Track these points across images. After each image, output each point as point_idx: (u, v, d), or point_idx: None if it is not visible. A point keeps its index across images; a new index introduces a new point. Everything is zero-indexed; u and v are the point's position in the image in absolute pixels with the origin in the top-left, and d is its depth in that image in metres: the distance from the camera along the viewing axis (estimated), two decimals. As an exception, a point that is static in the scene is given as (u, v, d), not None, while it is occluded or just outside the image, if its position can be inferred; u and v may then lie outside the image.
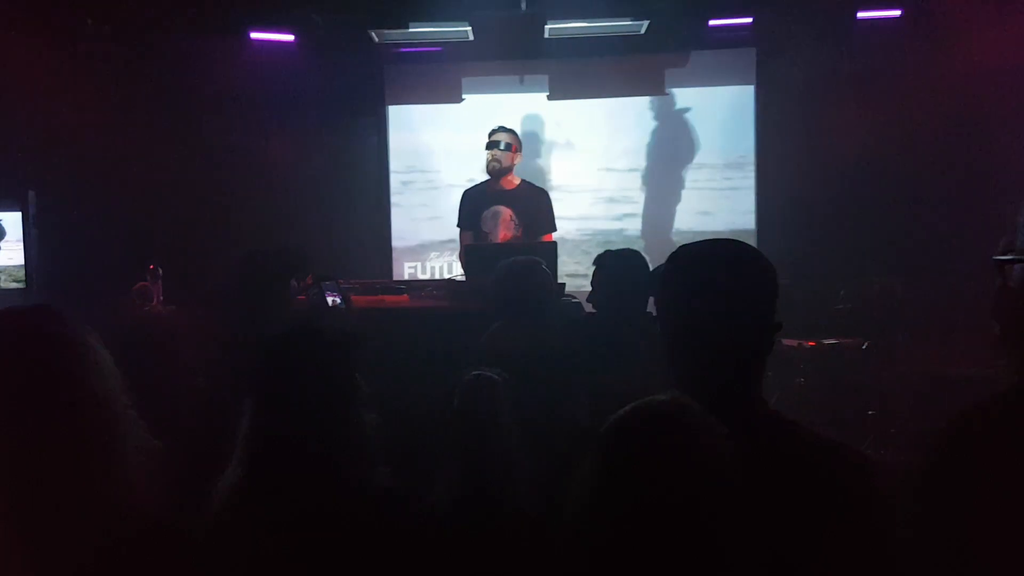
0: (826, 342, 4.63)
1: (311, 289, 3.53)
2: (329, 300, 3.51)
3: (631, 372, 2.41)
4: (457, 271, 5.72)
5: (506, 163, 4.41)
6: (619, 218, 5.96)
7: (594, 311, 2.94)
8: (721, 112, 5.88)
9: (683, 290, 1.30)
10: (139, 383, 3.21)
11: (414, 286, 3.91)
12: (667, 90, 5.89)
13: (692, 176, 5.93)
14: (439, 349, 3.21)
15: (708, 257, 1.31)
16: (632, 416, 1.12)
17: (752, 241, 5.81)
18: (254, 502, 1.76)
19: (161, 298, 3.97)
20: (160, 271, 4.01)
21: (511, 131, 4.46)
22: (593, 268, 2.96)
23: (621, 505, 1.06)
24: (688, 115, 5.91)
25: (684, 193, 5.94)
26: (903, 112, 5.21)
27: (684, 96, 5.90)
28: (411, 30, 4.98)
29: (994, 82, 4.96)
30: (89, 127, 4.61)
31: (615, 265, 2.87)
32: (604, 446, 1.12)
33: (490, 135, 4.47)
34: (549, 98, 5.94)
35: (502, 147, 4.40)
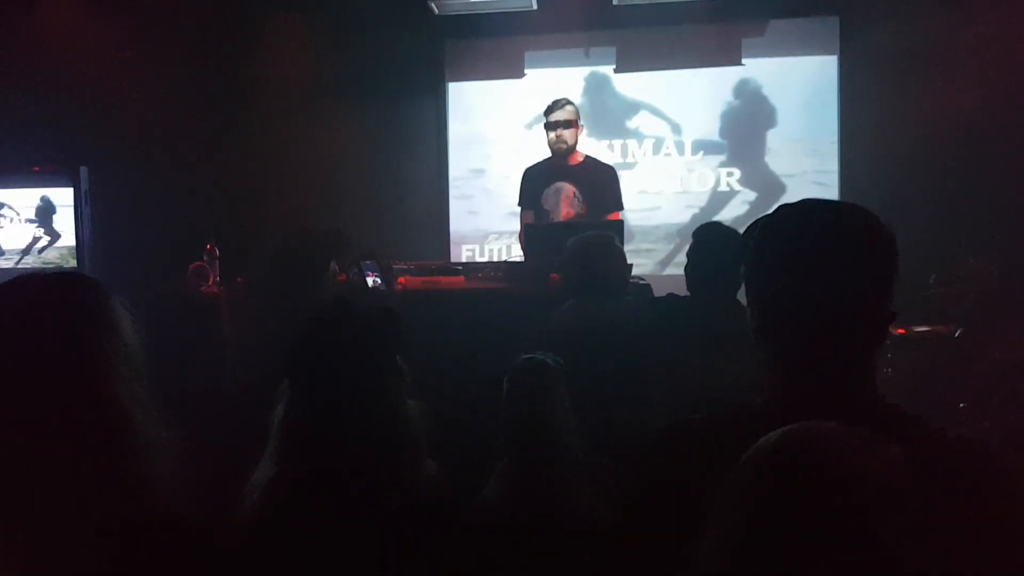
0: (916, 329, 4.28)
1: (351, 269, 3.39)
2: (369, 281, 3.36)
3: (719, 364, 2.18)
4: (516, 254, 5.54)
5: (571, 141, 4.18)
6: (686, 201, 5.66)
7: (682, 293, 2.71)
8: (802, 85, 5.51)
9: (780, 261, 1.06)
10: (190, 365, 3.13)
11: (471, 268, 3.73)
12: (743, 61, 5.55)
13: (768, 155, 5.58)
14: (496, 331, 3.04)
15: (813, 222, 1.07)
16: (792, 446, 0.86)
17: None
18: (291, 499, 1.61)
19: (218, 278, 3.90)
20: (218, 251, 3.95)
21: (572, 104, 4.20)
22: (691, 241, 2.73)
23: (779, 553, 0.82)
24: (766, 89, 5.56)
25: (760, 174, 5.59)
26: (1000, 86, 4.79)
27: (761, 67, 5.55)
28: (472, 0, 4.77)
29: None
30: (143, 101, 4.56)
31: (710, 241, 2.61)
32: (752, 480, 0.88)
33: (549, 112, 4.21)
34: (616, 71, 5.67)
35: (565, 125, 4.15)
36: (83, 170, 4.15)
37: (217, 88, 5.08)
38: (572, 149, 4.18)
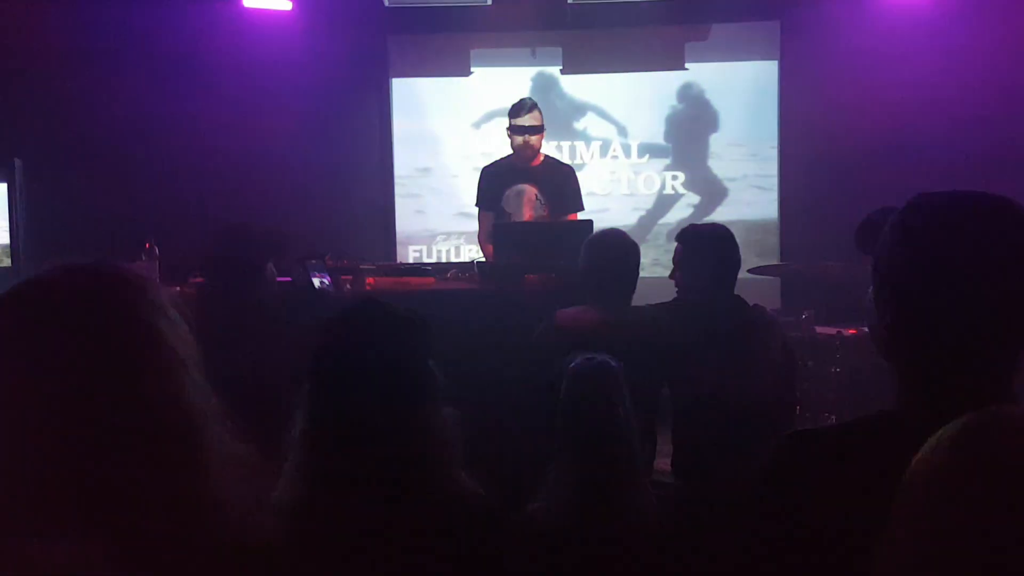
0: (866, 330, 4.40)
1: (296, 269, 3.22)
2: (316, 282, 3.20)
3: (728, 365, 2.14)
4: (467, 255, 5.43)
5: (538, 146, 4.08)
6: (633, 204, 5.68)
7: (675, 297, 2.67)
8: (743, 90, 5.61)
9: (933, 257, 1.01)
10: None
11: (440, 268, 3.61)
12: (686, 65, 5.61)
13: (711, 159, 5.66)
14: (480, 333, 2.94)
15: (972, 215, 1.02)
16: (994, 431, 0.77)
17: (775, 227, 5.60)
18: (323, 519, 1.46)
19: (156, 278, 3.65)
20: (156, 249, 3.70)
21: (538, 108, 4.06)
22: (676, 245, 2.69)
23: None
24: (708, 93, 5.64)
25: (703, 177, 5.67)
26: (936, 90, 5.01)
27: (704, 72, 5.63)
28: (427, -8, 4.63)
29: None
30: (79, 93, 4.24)
31: (708, 244, 2.58)
32: (946, 481, 0.77)
33: (516, 116, 4.04)
34: (563, 72, 5.64)
35: (533, 131, 4.02)
36: (17, 163, 3.80)
37: (152, 79, 4.77)
38: (537, 153, 4.09)
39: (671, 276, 2.78)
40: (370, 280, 3.30)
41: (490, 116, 5.60)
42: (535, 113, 4.03)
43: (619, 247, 2.68)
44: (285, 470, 1.59)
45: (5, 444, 0.95)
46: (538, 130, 4.04)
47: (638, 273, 2.71)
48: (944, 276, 0.99)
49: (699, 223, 2.87)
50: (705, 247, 2.57)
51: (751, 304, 2.63)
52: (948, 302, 0.99)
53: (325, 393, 1.57)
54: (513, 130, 4.05)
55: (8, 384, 0.97)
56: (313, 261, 3.32)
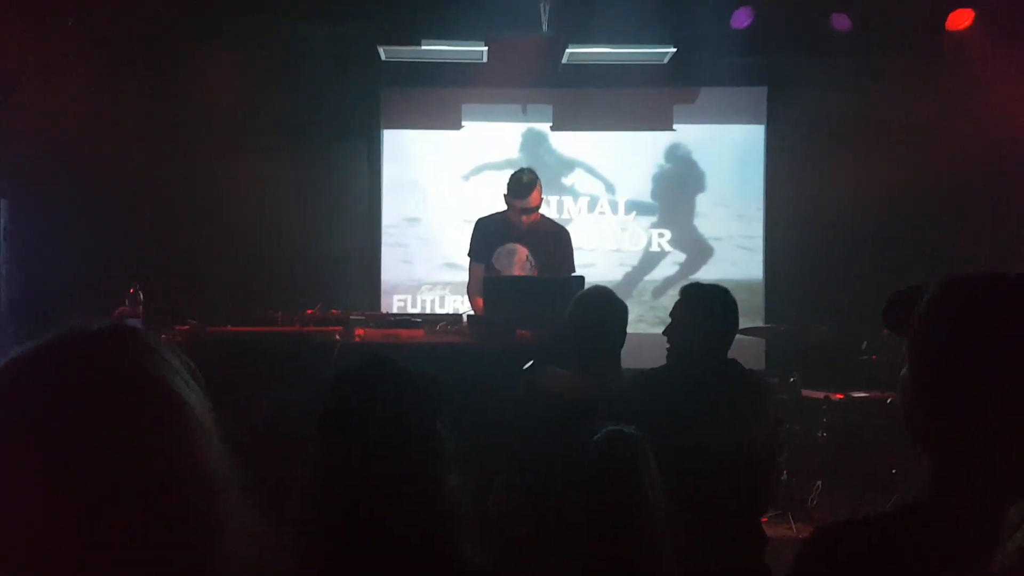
0: (854, 395, 4.41)
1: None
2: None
3: (716, 433, 2.11)
4: (451, 306, 5.41)
5: (536, 218, 4.06)
6: (619, 260, 5.71)
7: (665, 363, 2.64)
8: (730, 151, 5.71)
9: (979, 345, 0.98)
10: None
11: (429, 319, 3.58)
12: (674, 126, 5.71)
13: (697, 218, 5.72)
14: (474, 389, 2.90)
15: (1013, 298, 1.00)
16: None
17: (760, 287, 5.64)
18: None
19: (141, 325, 3.58)
20: (141, 295, 3.63)
21: (536, 184, 4.00)
22: (677, 300, 2.67)
23: None
24: (696, 154, 5.73)
25: (689, 236, 5.72)
26: (922, 156, 5.11)
27: (692, 133, 5.72)
28: (423, 48, 4.68)
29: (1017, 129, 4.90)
30: (69, 135, 4.20)
31: (709, 303, 2.57)
32: None
33: (516, 195, 3.96)
34: (552, 128, 5.71)
35: (529, 212, 3.97)
36: (2, 203, 3.74)
37: (143, 123, 4.75)
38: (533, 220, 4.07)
39: (664, 332, 2.76)
40: (359, 332, 3.26)
41: (479, 169, 5.64)
42: (535, 194, 3.97)
43: (606, 307, 2.67)
44: (287, 529, 1.54)
45: (14, 512, 0.91)
46: (535, 210, 4.02)
47: (625, 333, 2.69)
48: (992, 363, 0.97)
49: (703, 281, 2.85)
50: (706, 306, 2.55)
51: (746, 370, 2.61)
52: (995, 390, 0.97)
53: (331, 454, 1.53)
54: (511, 208, 4.01)
55: (14, 453, 0.92)
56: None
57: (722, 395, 2.40)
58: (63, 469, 0.90)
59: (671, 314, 2.76)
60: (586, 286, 3.47)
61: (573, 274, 4.05)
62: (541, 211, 4.18)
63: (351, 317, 3.33)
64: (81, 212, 4.38)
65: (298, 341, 3.13)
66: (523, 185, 3.99)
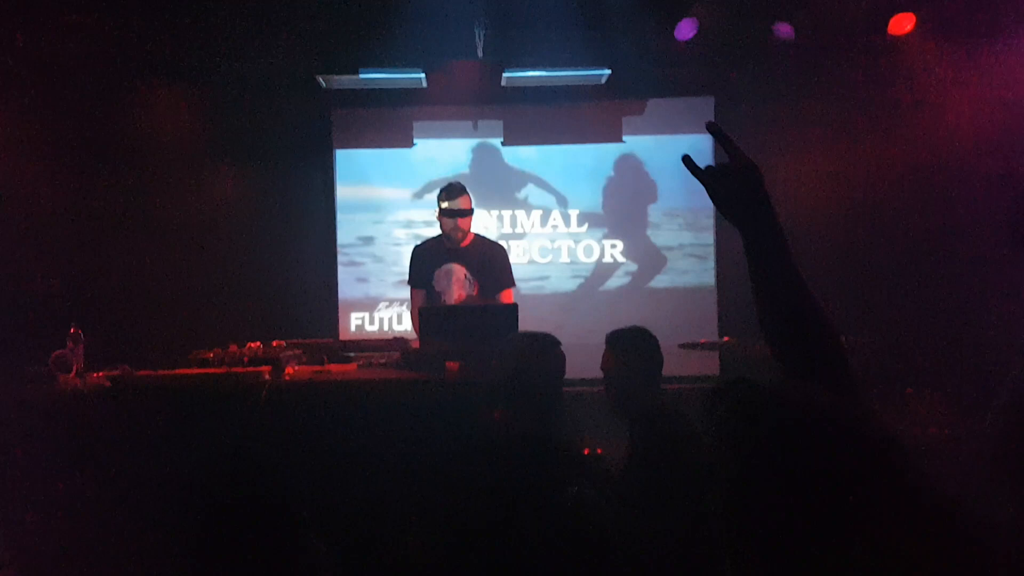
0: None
1: None
2: None
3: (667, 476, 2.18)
4: (409, 324, 5.47)
5: (467, 228, 4.16)
6: (572, 272, 5.76)
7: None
8: (679, 162, 5.73)
9: None
10: (52, 477, 2.86)
11: (366, 347, 3.64)
12: (624, 138, 5.75)
13: (649, 229, 5.78)
14: (406, 424, 2.93)
15: None
16: None
17: (713, 295, 5.70)
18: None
19: (82, 366, 3.59)
20: (82, 334, 3.64)
21: (467, 191, 4.15)
22: (606, 348, 2.76)
23: None
24: (646, 165, 5.77)
25: (641, 246, 5.78)
26: (866, 164, 5.17)
27: (641, 144, 5.77)
28: (361, 76, 4.73)
29: (964, 134, 4.94)
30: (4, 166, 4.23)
31: (635, 346, 2.66)
32: None
33: (446, 199, 4.10)
34: (504, 143, 5.76)
35: (462, 215, 4.10)
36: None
37: (87, 154, 4.77)
38: (467, 235, 4.17)
39: (604, 384, 2.84)
40: (289, 370, 3.31)
41: (433, 186, 5.65)
42: (464, 197, 4.10)
43: (542, 358, 2.63)
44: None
45: None
46: (467, 213, 4.12)
47: (561, 383, 2.69)
48: None
49: (622, 328, 2.92)
50: (635, 351, 2.69)
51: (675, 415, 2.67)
52: None
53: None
54: (443, 213, 4.12)
55: None
56: None
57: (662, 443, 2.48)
58: None
59: (603, 367, 2.82)
60: (518, 311, 3.54)
61: (505, 295, 4.13)
62: (488, 221, 4.28)
63: (280, 353, 3.36)
64: (19, 250, 4.39)
65: (224, 383, 3.16)
66: (451, 188, 4.11)
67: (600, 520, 1.69)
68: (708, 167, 1.44)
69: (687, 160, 1.46)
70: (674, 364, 5.30)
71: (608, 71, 4.80)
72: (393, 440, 2.77)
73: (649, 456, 2.41)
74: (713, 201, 1.41)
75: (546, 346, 2.69)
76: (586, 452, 2.62)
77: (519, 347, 2.67)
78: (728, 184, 1.36)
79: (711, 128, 1.45)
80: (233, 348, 3.41)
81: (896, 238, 5.24)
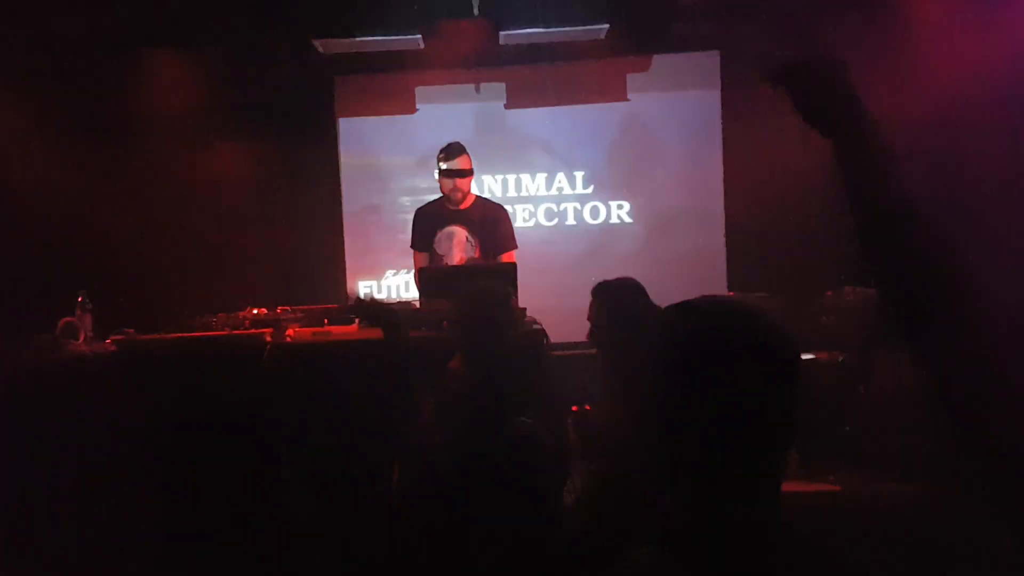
0: (804, 356, 4.44)
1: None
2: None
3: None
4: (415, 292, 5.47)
5: (467, 189, 4.16)
6: (579, 235, 5.71)
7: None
8: (686, 120, 5.67)
9: None
10: (63, 444, 2.91)
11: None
12: (628, 96, 5.68)
13: (657, 190, 5.71)
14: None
15: None
16: None
17: (722, 257, 5.62)
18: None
19: (90, 333, 3.64)
20: (90, 302, 3.69)
21: (466, 151, 4.15)
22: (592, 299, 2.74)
23: None
24: (651, 124, 5.70)
25: (649, 208, 5.71)
26: (880, 113, 5.04)
27: (647, 103, 5.69)
28: (358, 39, 4.70)
29: (973, 81, 4.81)
30: (8, 138, 4.26)
31: (621, 296, 2.64)
32: None
33: (445, 160, 4.12)
34: (506, 107, 5.70)
35: (461, 174, 4.10)
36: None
37: (92, 125, 4.79)
38: (467, 195, 4.17)
39: (589, 338, 2.82)
40: (290, 332, 3.33)
41: (436, 152, 5.65)
42: (464, 157, 4.09)
43: (473, 301, 2.71)
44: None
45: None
46: (467, 173, 4.10)
47: (503, 324, 2.69)
48: None
49: (609, 279, 2.90)
50: (622, 302, 2.64)
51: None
52: None
53: None
54: (442, 174, 4.11)
55: None
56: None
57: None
58: None
59: (589, 318, 2.81)
60: (516, 271, 3.53)
61: (506, 257, 4.12)
62: (476, 192, 4.28)
63: (281, 316, 3.39)
64: (26, 216, 4.43)
65: (227, 345, 3.19)
66: (450, 148, 4.11)
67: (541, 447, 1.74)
68: (785, 66, 1.26)
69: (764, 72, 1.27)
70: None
71: (606, 25, 4.73)
72: (379, 390, 2.80)
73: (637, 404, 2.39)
74: (797, 107, 1.25)
75: (492, 297, 2.74)
76: (575, 409, 2.60)
77: (468, 299, 2.73)
78: (811, 83, 1.21)
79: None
80: (241, 314, 3.45)
81: (911, 188, 5.13)
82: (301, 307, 3.62)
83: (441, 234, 4.19)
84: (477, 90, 5.70)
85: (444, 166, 4.09)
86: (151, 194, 5.09)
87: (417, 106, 5.70)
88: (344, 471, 2.64)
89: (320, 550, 2.43)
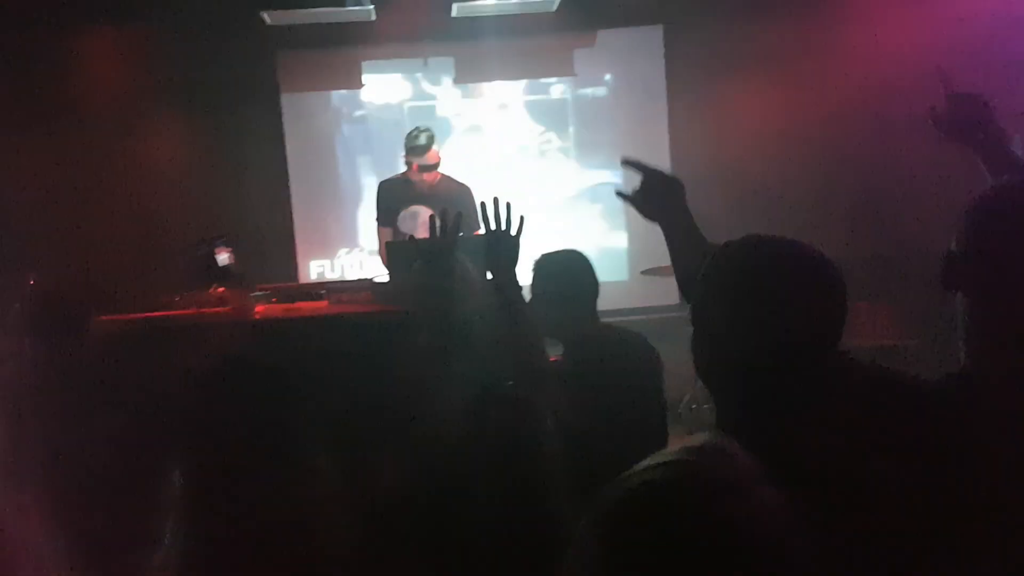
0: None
1: (199, 247, 3.24)
2: (222, 258, 3.22)
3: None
4: (371, 268, 5.40)
5: (436, 178, 4.15)
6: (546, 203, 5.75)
7: None
8: (632, 93, 5.75)
9: None
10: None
11: (334, 289, 3.59)
12: (575, 71, 5.72)
13: (604, 166, 5.77)
14: (379, 358, 2.93)
15: None
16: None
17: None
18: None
19: (41, 318, 3.50)
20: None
21: (433, 144, 4.12)
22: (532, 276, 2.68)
23: None
24: (599, 98, 5.75)
25: (594, 182, 5.77)
26: (823, 86, 5.20)
27: (594, 78, 5.74)
28: (307, 10, 4.59)
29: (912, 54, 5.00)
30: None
31: (560, 271, 2.49)
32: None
33: (414, 153, 4.10)
34: (455, 82, 5.67)
35: (429, 170, 4.08)
36: None
37: (31, 104, 4.57)
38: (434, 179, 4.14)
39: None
40: (259, 308, 3.27)
41: (382, 128, 5.58)
42: (432, 152, 4.06)
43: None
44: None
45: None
46: (435, 168, 4.08)
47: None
48: None
49: (551, 251, 2.77)
50: (555, 275, 2.49)
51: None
52: None
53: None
54: (410, 163, 4.07)
55: None
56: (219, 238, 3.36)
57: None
58: None
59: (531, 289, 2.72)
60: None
61: (476, 233, 4.10)
62: (442, 170, 4.23)
63: (250, 295, 3.32)
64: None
65: (193, 324, 3.11)
66: (420, 144, 4.04)
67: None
68: (634, 191, 1.87)
69: (619, 194, 1.89)
70: (636, 295, 5.43)
71: (559, -2, 4.74)
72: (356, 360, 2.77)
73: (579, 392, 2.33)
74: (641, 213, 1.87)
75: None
76: (552, 359, 2.51)
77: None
78: (652, 201, 1.85)
79: (625, 163, 1.90)
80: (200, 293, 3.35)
81: (846, 159, 5.34)
82: (270, 285, 3.56)
83: (405, 213, 4.16)
84: (425, 63, 5.65)
85: (415, 160, 4.05)
86: (88, 178, 4.89)
87: (363, 80, 5.61)
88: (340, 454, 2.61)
89: (312, 533, 2.37)
